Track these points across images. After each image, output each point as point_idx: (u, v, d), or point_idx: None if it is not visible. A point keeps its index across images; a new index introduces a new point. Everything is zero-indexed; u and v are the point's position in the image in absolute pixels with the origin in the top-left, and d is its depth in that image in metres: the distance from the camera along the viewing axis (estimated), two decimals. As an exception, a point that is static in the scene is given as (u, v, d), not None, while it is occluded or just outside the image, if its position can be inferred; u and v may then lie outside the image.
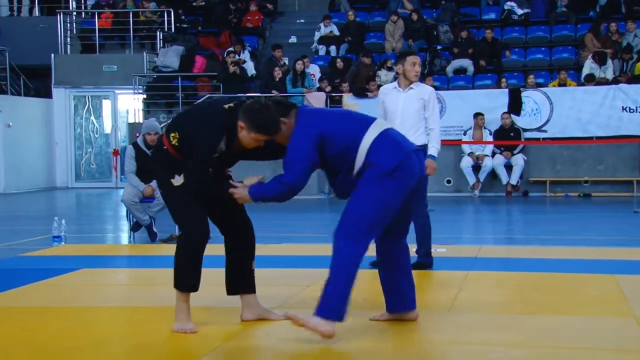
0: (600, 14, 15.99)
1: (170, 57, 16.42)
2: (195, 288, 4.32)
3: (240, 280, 4.50)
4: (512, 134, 13.72)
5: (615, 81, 13.96)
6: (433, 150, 6.21)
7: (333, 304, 3.98)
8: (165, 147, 4.28)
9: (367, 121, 4.22)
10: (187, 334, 4.23)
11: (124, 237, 9.22)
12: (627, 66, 14.52)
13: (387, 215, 4.09)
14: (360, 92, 14.42)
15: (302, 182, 4.09)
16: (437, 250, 6.76)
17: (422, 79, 14.94)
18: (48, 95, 18.07)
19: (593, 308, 4.85)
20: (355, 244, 4.00)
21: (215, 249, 4.67)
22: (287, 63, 15.81)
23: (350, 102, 14.46)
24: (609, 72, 14.28)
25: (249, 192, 4.19)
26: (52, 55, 17.64)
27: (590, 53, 14.64)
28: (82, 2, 20.16)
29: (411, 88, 6.19)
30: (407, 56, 6.20)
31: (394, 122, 5.99)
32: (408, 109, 6.13)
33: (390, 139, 4.13)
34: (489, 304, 5.03)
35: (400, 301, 4.34)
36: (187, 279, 4.29)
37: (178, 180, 4.23)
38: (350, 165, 4.09)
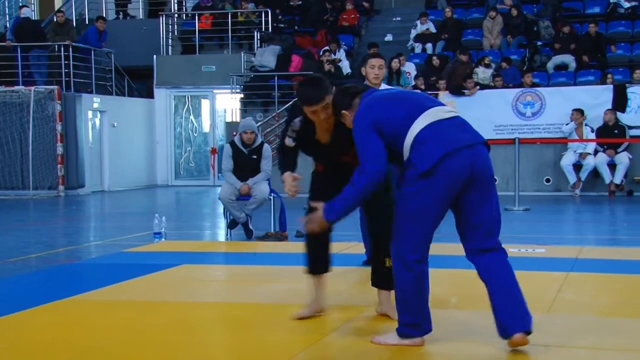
0: None
1: (267, 56, 16.63)
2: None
3: (373, 274, 4.55)
4: (616, 131, 13.22)
5: None
6: None
7: (403, 320, 3.87)
8: None
9: (423, 107, 3.80)
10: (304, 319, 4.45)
11: (221, 234, 9.40)
12: None
13: (429, 225, 3.74)
14: (457, 90, 14.21)
15: (380, 164, 3.73)
16: (536, 250, 6.59)
17: (521, 75, 14.66)
18: (150, 95, 18.63)
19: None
20: (405, 268, 3.76)
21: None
22: (382, 61, 15.74)
23: (446, 100, 14.27)
24: None
25: (324, 215, 3.91)
26: (154, 56, 18.17)
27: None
28: (183, 4, 20.67)
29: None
30: (369, 59, 6.17)
31: None
32: None
33: (436, 132, 3.70)
34: (590, 306, 4.86)
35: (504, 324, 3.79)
36: None
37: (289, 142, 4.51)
38: (401, 158, 3.78)
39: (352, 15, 18.03)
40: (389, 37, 17.82)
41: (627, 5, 16.15)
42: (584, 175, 13.31)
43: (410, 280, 3.77)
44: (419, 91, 4.22)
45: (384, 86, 6.27)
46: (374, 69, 6.14)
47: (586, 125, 13.23)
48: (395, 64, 14.88)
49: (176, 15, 19.76)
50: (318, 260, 4.52)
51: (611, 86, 13.66)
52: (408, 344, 3.88)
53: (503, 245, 3.88)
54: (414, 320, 3.84)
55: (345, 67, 16.11)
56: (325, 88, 4.16)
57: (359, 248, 6.96)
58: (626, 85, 13.68)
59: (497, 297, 3.75)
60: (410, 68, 15.56)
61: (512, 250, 6.88)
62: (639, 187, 13.45)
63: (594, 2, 16.75)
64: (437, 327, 3.95)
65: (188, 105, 18.70)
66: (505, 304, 3.74)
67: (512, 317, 3.73)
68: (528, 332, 3.76)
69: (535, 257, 6.62)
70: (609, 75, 14.06)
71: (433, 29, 16.73)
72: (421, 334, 3.89)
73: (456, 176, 3.68)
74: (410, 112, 3.79)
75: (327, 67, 15.40)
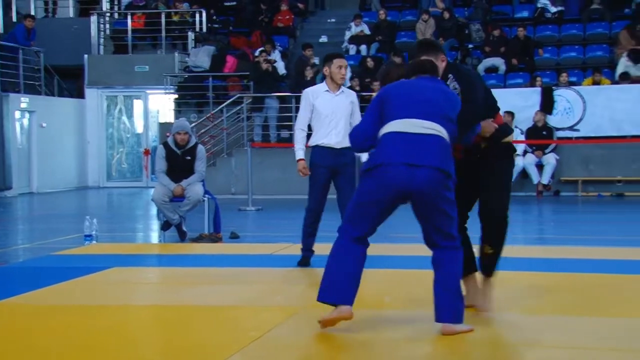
0: (636, 11, 15.76)
1: (201, 57, 16.51)
2: None
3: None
4: (544, 133, 13.57)
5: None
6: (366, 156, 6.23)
7: (324, 287, 4.15)
8: None
9: (407, 113, 4.09)
10: None
11: (154, 236, 9.29)
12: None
13: (370, 210, 4.08)
14: (391, 92, 14.35)
15: (358, 136, 4.31)
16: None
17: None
18: (81, 95, 18.27)
19: (628, 309, 4.77)
20: (340, 236, 4.17)
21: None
22: (317, 63, 15.80)
23: (380, 102, 14.38)
24: (642, 70, 14.08)
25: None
26: (85, 56, 17.83)
27: (625, 51, 14.43)
28: (115, 3, 20.35)
29: (342, 91, 6.27)
30: (334, 58, 6.23)
31: (328, 125, 6.14)
32: (340, 112, 6.20)
33: (393, 142, 4.04)
34: (521, 306, 4.97)
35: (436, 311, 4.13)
36: None
37: None
38: None
39: (287, 17, 18.05)
40: (323, 39, 17.90)
41: (553, 10, 16.59)
42: (513, 176, 13.60)
43: (337, 247, 4.16)
44: (432, 94, 4.28)
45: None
46: (340, 70, 6.20)
47: (516, 127, 13.53)
48: (329, 65, 14.97)
49: (108, 14, 19.44)
50: None
51: (539, 89, 14.01)
52: (330, 316, 4.12)
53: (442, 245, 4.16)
54: (323, 284, 4.14)
55: (281, 68, 16.10)
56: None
57: (293, 249, 6.97)
58: (553, 88, 14.05)
59: (437, 285, 4.09)
60: (344, 69, 15.63)
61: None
62: (566, 188, 13.84)
63: (523, 6, 17.15)
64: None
65: (120, 106, 18.41)
66: (441, 293, 4.07)
67: (444, 306, 4.05)
68: (458, 322, 4.06)
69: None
70: (538, 78, 14.42)
71: (367, 31, 16.88)
72: (329, 301, 4.12)
73: (388, 186, 4.02)
74: (397, 110, 4.14)
75: (264, 65, 15.37)
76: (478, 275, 4.67)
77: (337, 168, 6.27)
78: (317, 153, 6.27)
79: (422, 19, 16.51)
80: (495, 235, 4.53)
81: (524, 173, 13.60)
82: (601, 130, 13.66)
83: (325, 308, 4.18)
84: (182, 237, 8.33)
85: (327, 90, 6.27)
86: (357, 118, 6.23)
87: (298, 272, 6.19)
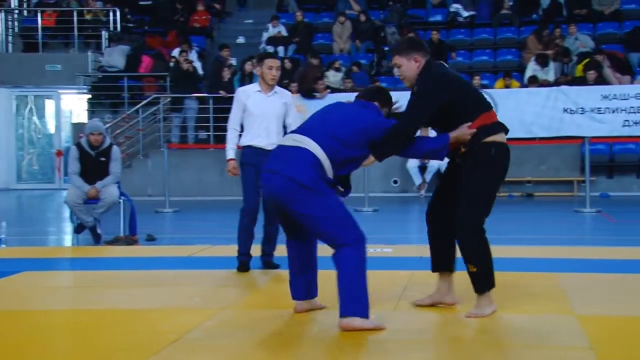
0: (543, 17, 16.30)
1: (115, 56, 16.21)
2: None
3: None
4: (458, 135, 13.88)
5: (557, 83, 14.26)
6: None
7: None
8: None
9: (298, 129, 4.51)
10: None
11: (68, 239, 9.07)
12: (567, 68, 14.82)
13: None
14: (308, 93, 14.43)
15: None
16: (384, 250, 6.79)
17: (370, 79, 15.10)
18: (-11, 94, 17.67)
19: (536, 306, 4.93)
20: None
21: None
22: (234, 64, 15.76)
23: (298, 103, 14.44)
24: (550, 74, 14.57)
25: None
26: (-7, 53, 17.26)
27: (533, 55, 14.91)
28: (25, 0, 19.76)
29: (275, 92, 6.24)
30: (265, 59, 6.21)
31: (259, 126, 6.12)
32: (273, 113, 6.17)
33: (273, 151, 4.56)
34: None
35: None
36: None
37: None
38: None
39: (204, 17, 17.90)
40: (241, 39, 17.84)
41: (465, 14, 17.00)
42: (428, 176, 13.89)
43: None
44: (338, 116, 4.55)
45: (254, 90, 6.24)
46: (271, 70, 6.13)
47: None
48: (248, 66, 14.92)
49: (17, 11, 18.85)
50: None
51: (453, 91, 14.31)
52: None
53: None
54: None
55: (198, 68, 15.97)
56: None
57: (212, 251, 6.93)
58: (466, 90, 14.38)
59: (338, 283, 4.26)
60: (262, 71, 15.62)
61: (370, 250, 7.09)
62: (479, 188, 14.17)
63: (436, 10, 17.50)
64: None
65: (31, 106, 17.89)
66: (340, 291, 4.25)
67: (345, 301, 4.22)
68: (363, 317, 4.20)
69: (382, 256, 6.84)
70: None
71: (284, 32, 16.91)
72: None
73: (263, 189, 4.59)
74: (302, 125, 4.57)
75: (185, 66, 15.20)
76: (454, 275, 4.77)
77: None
78: (247, 153, 6.19)
79: (338, 21, 16.66)
80: (467, 252, 4.49)
81: (440, 174, 13.88)
82: (512, 132, 13.70)
83: (243, 310, 4.16)
84: (97, 239, 8.17)
85: (259, 91, 6.20)
86: (292, 119, 6.20)
87: (216, 274, 6.16)
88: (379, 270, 6.15)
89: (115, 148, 8.30)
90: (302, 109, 14.52)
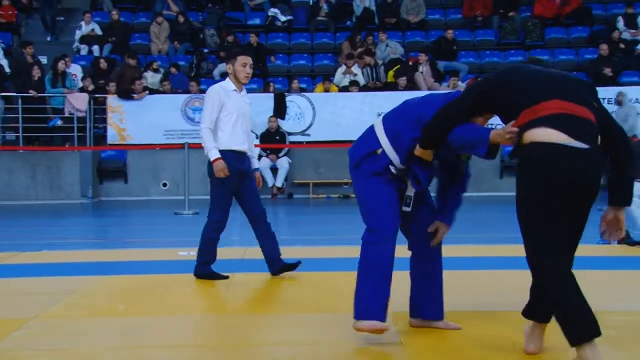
0: (356, 24, 16.88)
1: None
2: None
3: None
4: (277, 138, 14.07)
5: (368, 88, 14.83)
6: (257, 161, 6.17)
7: None
8: None
9: None
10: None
11: None
12: (376, 74, 15.42)
13: None
14: (126, 94, 14.06)
15: None
16: (190, 254, 6.70)
17: (189, 81, 14.95)
18: None
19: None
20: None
21: None
22: (44, 62, 15.05)
23: (115, 104, 14.05)
24: (363, 79, 15.12)
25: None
26: None
27: (346, 60, 15.40)
28: None
29: (244, 92, 5.94)
30: (238, 56, 5.84)
31: (239, 128, 5.79)
32: (245, 112, 5.89)
33: None
34: (256, 304, 5.09)
35: None
36: None
37: None
38: None
39: (10, 12, 16.91)
40: (50, 37, 17.04)
41: (283, 18, 17.27)
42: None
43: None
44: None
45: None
46: (245, 68, 5.74)
47: (252, 131, 13.85)
48: (61, 65, 14.29)
49: None
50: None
51: (272, 94, 14.52)
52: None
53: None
54: None
55: (5, 66, 15.06)
56: None
57: (20, 258, 6.56)
58: (285, 94, 14.63)
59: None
60: (76, 70, 15.05)
61: (182, 253, 7.00)
62: (298, 190, 14.45)
63: (255, 14, 17.63)
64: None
65: None
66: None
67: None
68: (358, 319, 3.93)
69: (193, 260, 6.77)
70: (271, 84, 14.93)
71: (99, 31, 16.35)
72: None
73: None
74: None
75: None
76: None
77: (245, 173, 5.84)
78: (229, 157, 5.70)
79: (156, 21, 16.37)
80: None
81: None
82: (329, 135, 14.44)
83: (55, 319, 3.96)
84: None
85: (234, 90, 5.81)
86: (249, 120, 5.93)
87: (25, 282, 5.84)
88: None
89: None
90: (119, 110, 14.13)
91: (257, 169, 6.12)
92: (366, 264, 3.91)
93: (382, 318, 3.88)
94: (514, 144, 3.47)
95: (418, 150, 3.85)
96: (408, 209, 3.99)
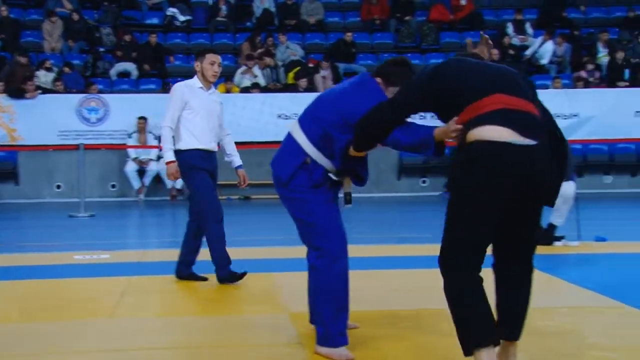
0: (256, 25, 16.87)
1: None
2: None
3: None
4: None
5: (269, 90, 14.86)
6: (238, 158, 6.11)
7: None
8: None
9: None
10: None
11: None
12: (277, 75, 15.46)
13: None
14: (17, 93, 13.56)
15: None
16: (101, 256, 6.59)
17: (84, 81, 14.57)
18: None
19: (253, 306, 5.10)
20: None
21: None
22: None
23: (5, 104, 13.53)
24: (263, 80, 15.13)
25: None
26: None
27: (247, 61, 15.37)
28: None
29: (213, 91, 5.87)
30: (206, 54, 5.82)
31: (206, 127, 5.67)
32: (213, 111, 5.78)
33: None
34: (151, 308, 5.04)
35: None
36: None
37: None
38: None
39: None
40: None
41: (182, 18, 17.06)
42: (147, 180, 13.71)
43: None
44: (334, 89, 3.90)
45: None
46: (213, 66, 5.69)
47: (149, 132, 13.63)
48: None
49: None
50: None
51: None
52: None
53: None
54: None
55: None
56: None
57: None
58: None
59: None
60: (-40, 68, 14.43)
61: (77, 257, 6.83)
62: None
63: (153, 13, 17.33)
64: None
65: None
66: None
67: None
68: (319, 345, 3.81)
69: (99, 263, 6.64)
70: (170, 84, 14.69)
71: (-13, 28, 15.73)
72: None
73: None
74: None
75: None
76: None
77: (213, 172, 5.78)
78: (197, 156, 5.59)
79: (49, 19, 15.88)
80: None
81: (158, 178, 13.77)
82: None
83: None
84: None
85: (201, 87, 5.69)
86: (223, 119, 5.81)
87: None
88: (96, 278, 5.98)
89: None
90: (10, 110, 13.61)
91: (240, 167, 6.10)
92: (325, 288, 3.73)
93: (346, 341, 3.78)
94: (458, 141, 3.27)
95: (353, 152, 3.65)
96: (349, 206, 3.84)
